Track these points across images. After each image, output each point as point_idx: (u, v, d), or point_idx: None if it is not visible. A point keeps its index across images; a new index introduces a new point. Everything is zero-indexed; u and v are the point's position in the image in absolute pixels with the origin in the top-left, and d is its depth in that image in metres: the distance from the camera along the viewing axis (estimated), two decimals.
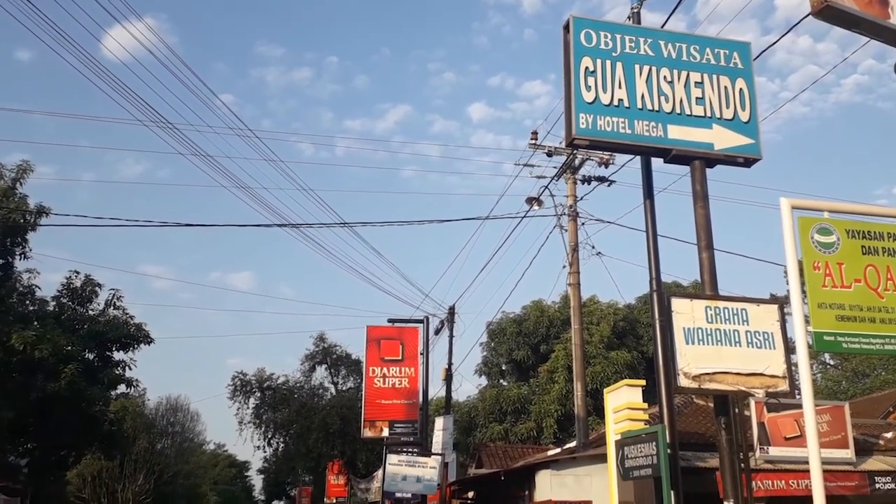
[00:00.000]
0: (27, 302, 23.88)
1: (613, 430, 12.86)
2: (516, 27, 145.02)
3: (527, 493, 16.99)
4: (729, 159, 10.00)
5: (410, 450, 22.27)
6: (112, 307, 26.05)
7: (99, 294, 25.94)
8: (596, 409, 28.13)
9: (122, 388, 27.61)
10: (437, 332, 25.95)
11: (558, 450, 22.74)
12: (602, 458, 13.85)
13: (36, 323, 22.11)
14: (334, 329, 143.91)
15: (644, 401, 13.16)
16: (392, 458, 20.41)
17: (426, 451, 22.81)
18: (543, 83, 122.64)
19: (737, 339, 8.73)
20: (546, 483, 16.13)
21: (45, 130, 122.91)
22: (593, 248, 20.39)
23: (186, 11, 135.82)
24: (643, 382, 13.47)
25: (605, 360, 35.30)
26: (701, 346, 8.59)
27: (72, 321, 24.60)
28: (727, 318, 8.80)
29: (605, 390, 14.13)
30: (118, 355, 25.85)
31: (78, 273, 25.75)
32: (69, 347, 22.38)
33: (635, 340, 38.05)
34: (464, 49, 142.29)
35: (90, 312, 25.71)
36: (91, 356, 24.81)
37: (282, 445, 50.82)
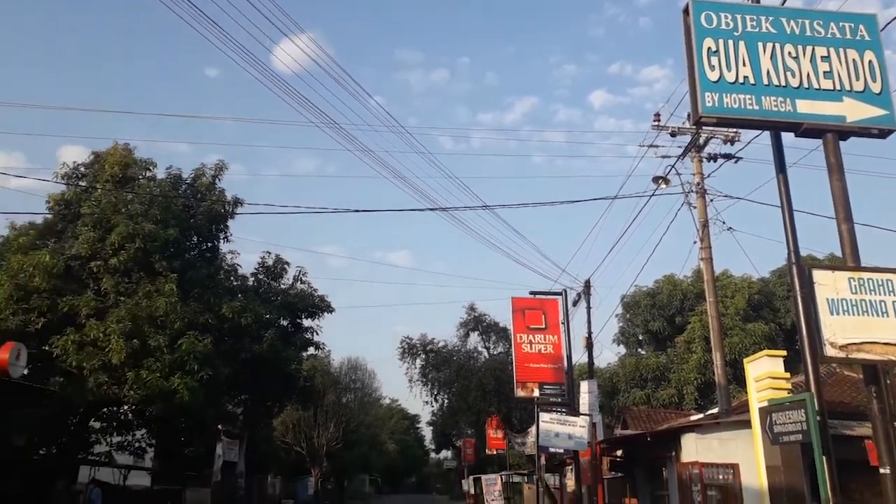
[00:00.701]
0: (231, 278, 25.29)
1: (756, 397, 12.00)
2: (631, 16, 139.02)
3: (673, 454, 16.30)
4: (862, 131, 8.99)
5: (560, 409, 21.89)
6: (299, 282, 27.12)
7: (287, 271, 27.05)
8: (735, 377, 26.67)
9: (311, 351, 28.97)
10: (575, 303, 25.32)
11: (701, 415, 21.72)
12: (745, 425, 12.97)
13: (240, 295, 23.36)
14: (482, 300, 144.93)
15: (784, 371, 12.16)
16: (544, 416, 20.11)
17: (574, 411, 22.35)
18: (661, 67, 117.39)
19: (884, 310, 7.82)
20: (692, 446, 15.40)
21: (232, 135, 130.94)
22: (724, 223, 19.07)
23: (335, 26, 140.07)
24: (784, 353, 12.48)
25: (742, 332, 33.60)
26: (846, 316, 7.74)
27: (267, 294, 25.80)
28: (872, 288, 7.90)
29: (745, 360, 13.18)
30: (306, 322, 26.94)
31: (269, 253, 27.04)
32: (267, 316, 23.52)
33: (772, 313, 35.84)
34: (582, 41, 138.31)
35: (281, 286, 26.88)
36: (285, 323, 25.95)
37: (446, 401, 51.79)
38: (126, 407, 22.96)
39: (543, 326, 25.23)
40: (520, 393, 25.22)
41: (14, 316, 20.00)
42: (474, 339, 52.30)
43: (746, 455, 12.71)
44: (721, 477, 13.85)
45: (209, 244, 24.60)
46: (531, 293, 26.03)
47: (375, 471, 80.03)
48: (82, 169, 23.25)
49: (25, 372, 18.92)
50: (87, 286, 20.89)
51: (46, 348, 20.19)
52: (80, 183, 22.95)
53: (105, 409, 23.36)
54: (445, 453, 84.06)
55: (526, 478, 35.97)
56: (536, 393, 24.71)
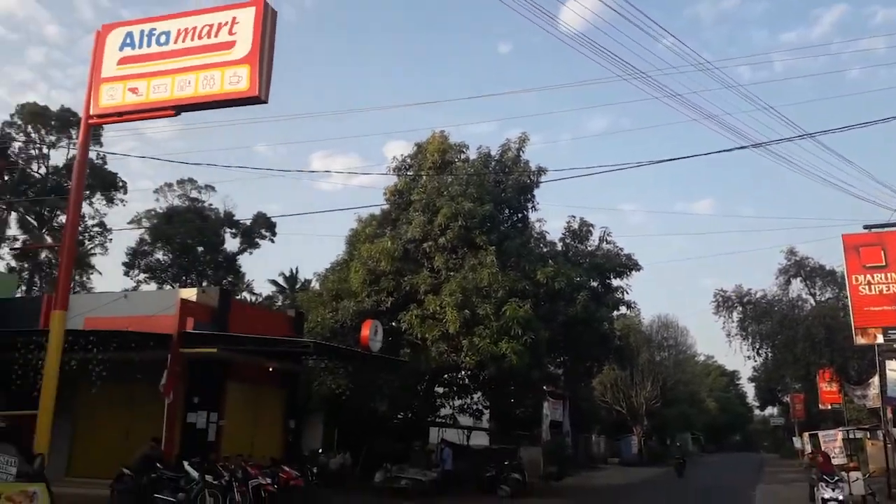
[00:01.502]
0: (541, 245, 26.51)
1: None
2: None
3: None
4: None
5: None
6: (604, 242, 27.47)
7: (592, 233, 27.51)
8: None
9: (622, 310, 29.24)
10: None
11: None
12: None
13: (550, 261, 24.45)
14: (799, 242, 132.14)
15: None
16: (891, 364, 18.28)
17: None
18: None
19: None
20: None
21: (527, 105, 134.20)
22: None
23: None
24: None
25: None
26: None
27: (576, 257, 26.54)
28: None
29: None
30: (615, 282, 27.24)
31: (574, 217, 27.69)
32: (578, 279, 24.33)
33: None
34: None
35: (588, 248, 27.45)
36: (595, 284, 26.51)
37: (769, 355, 48.73)
38: (463, 372, 25.45)
39: (884, 264, 22.65)
40: (859, 340, 23.02)
41: (368, 297, 23.42)
42: (797, 285, 48.36)
43: None
44: None
45: (519, 215, 26.16)
46: (866, 227, 23.47)
47: (697, 429, 78.11)
48: (408, 160, 26.23)
49: (381, 346, 22.08)
50: (423, 265, 23.59)
51: (395, 324, 23.26)
52: (408, 173, 25.88)
53: (446, 375, 26.14)
54: (771, 410, 79.17)
55: (869, 433, 32.70)
56: (879, 339, 22.37)
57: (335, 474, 21.47)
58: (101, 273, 62.54)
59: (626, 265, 26.98)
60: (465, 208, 22.73)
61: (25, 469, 7.53)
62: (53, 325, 11.44)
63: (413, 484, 20.53)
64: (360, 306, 23.48)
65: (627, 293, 27.26)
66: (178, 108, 12.25)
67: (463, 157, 25.95)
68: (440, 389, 26.92)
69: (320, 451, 22.81)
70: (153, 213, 45.95)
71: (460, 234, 22.84)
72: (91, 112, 12.54)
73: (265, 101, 11.93)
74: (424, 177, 24.86)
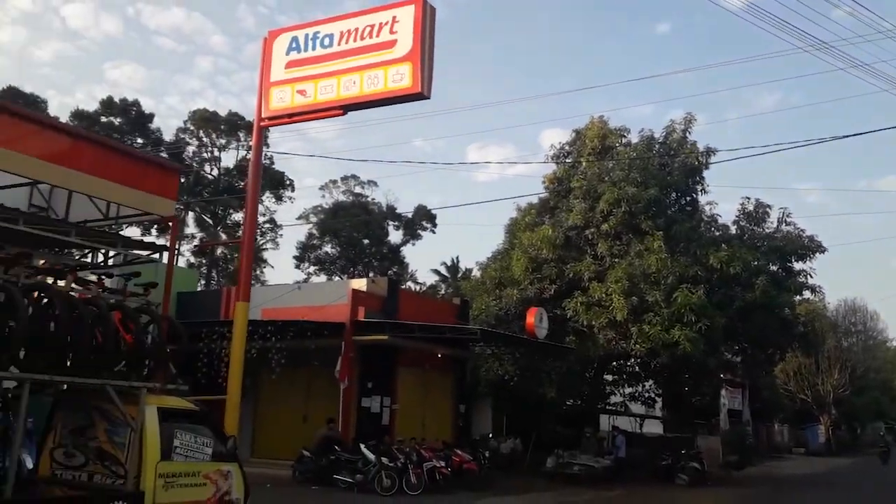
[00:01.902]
0: (712, 228, 25.11)
1: None
2: None
3: None
4: None
5: None
6: (783, 224, 25.61)
7: (769, 214, 25.72)
8: None
9: (805, 295, 27.10)
10: None
11: None
12: None
13: (723, 245, 23.11)
14: None
15: None
16: None
17: None
18: None
19: None
20: None
21: (688, 86, 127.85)
22: None
23: None
24: None
25: None
26: None
27: (751, 240, 24.93)
28: None
29: None
30: (797, 266, 25.32)
31: (749, 198, 25.97)
32: (755, 262, 22.81)
33: None
34: None
35: (765, 231, 25.72)
36: (775, 268, 24.80)
37: None
38: (633, 360, 24.70)
39: None
40: None
41: (531, 285, 23.31)
42: None
43: None
44: None
45: (687, 198, 24.90)
46: None
47: (890, 417, 71.47)
48: (567, 147, 25.79)
49: (546, 333, 21.87)
50: (585, 252, 23.10)
51: (559, 311, 22.95)
52: (567, 160, 25.45)
53: (614, 363, 25.48)
54: None
55: None
56: None
57: (506, 459, 21.62)
58: (273, 267, 66.96)
59: (809, 247, 24.95)
60: (628, 193, 21.96)
61: (219, 450, 8.01)
62: (237, 315, 12.23)
63: (586, 470, 20.26)
64: (523, 294, 23.44)
65: (811, 277, 25.24)
66: (345, 108, 12.64)
67: (624, 141, 25.10)
68: (609, 377, 26.33)
69: (490, 435, 23.06)
70: (320, 208, 48.46)
71: (624, 219, 22.10)
72: (262, 115, 13.20)
73: (427, 97, 12.04)
74: (584, 163, 24.30)
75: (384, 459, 15.94)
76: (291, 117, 13.16)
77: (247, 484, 8.24)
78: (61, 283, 7.19)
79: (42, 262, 7.59)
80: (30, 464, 7.74)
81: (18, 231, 9.39)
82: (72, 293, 7.02)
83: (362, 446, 16.62)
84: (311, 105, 12.75)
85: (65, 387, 7.32)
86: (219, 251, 43.30)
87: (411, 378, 21.05)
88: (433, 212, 49.29)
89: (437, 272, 50.76)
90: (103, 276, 7.84)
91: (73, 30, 78.66)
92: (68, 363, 6.75)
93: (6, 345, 6.25)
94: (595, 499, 17.98)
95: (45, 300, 6.78)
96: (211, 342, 17.35)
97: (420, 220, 49.23)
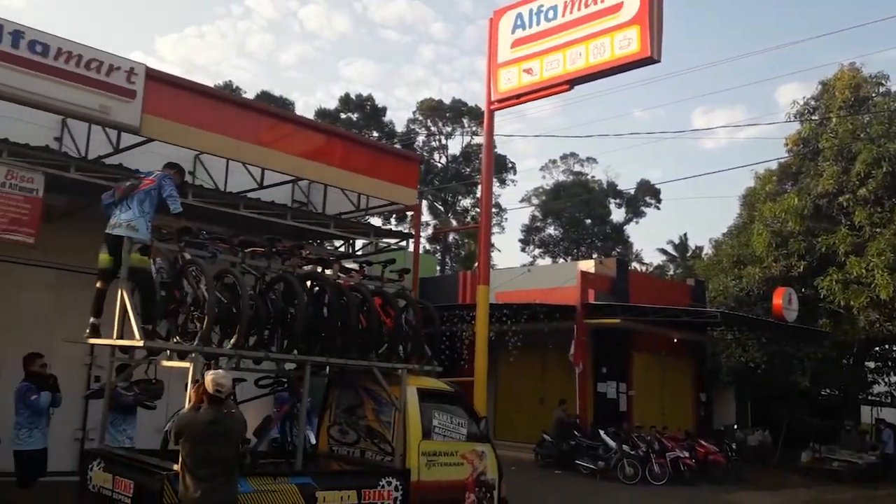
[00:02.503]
0: None
1: None
2: None
3: None
4: None
5: None
6: None
7: None
8: None
9: None
10: None
11: None
12: None
13: None
14: None
15: None
16: None
17: None
18: None
19: None
20: None
21: None
22: None
23: None
24: None
25: None
26: None
27: None
28: None
29: None
30: None
31: None
32: None
33: None
34: None
35: None
36: None
37: None
38: None
39: None
40: None
41: (776, 262, 21.38)
42: None
43: None
44: None
45: None
46: None
47: None
48: (812, 103, 23.14)
49: (796, 315, 20.08)
50: (839, 222, 20.73)
51: (809, 290, 20.93)
52: (812, 117, 22.94)
53: (877, 348, 22.85)
54: None
55: None
56: None
57: (754, 452, 20.19)
58: (500, 251, 68.20)
59: None
60: (890, 151, 19.33)
61: (473, 430, 8.24)
62: (479, 297, 12.49)
63: (847, 466, 18.38)
64: (766, 272, 21.61)
65: None
66: (571, 82, 12.32)
67: (882, 89, 22.06)
68: (871, 364, 23.62)
69: (735, 426, 21.71)
70: (541, 190, 48.48)
71: (885, 182, 19.46)
72: (492, 98, 13.27)
73: (658, 61, 11.36)
74: (834, 119, 21.71)
75: (625, 447, 15.61)
76: (519, 98, 13.05)
77: (500, 465, 8.39)
78: (328, 272, 7.70)
79: (307, 252, 8.20)
80: (313, 439, 8.46)
81: (286, 225, 10.42)
82: (338, 281, 7.51)
83: (602, 432, 16.41)
84: (537, 83, 12.56)
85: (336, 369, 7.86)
86: (450, 237, 44.94)
87: (647, 363, 20.39)
88: (657, 186, 47.43)
89: (663, 251, 48.79)
90: (363, 265, 8.31)
91: (310, 31, 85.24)
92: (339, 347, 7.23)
93: (289, 331, 6.83)
94: (858, 497, 16.30)
95: (317, 288, 7.31)
96: (452, 325, 18.02)
97: (643, 196, 47.58)
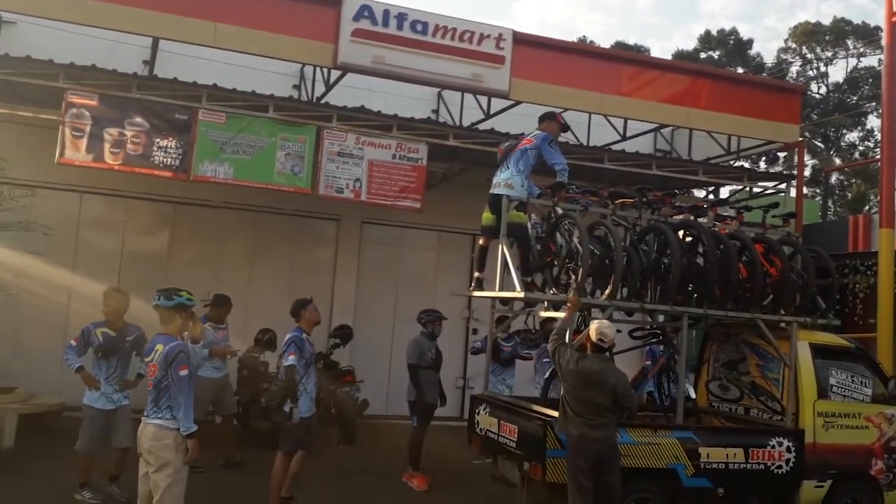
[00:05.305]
0: None
1: None
2: None
3: None
4: None
5: None
6: None
7: None
8: None
9: None
10: None
11: None
12: None
13: None
14: None
15: None
16: None
17: None
18: None
19: None
20: None
21: None
22: None
23: None
24: None
25: None
26: None
27: None
28: None
29: None
30: None
31: None
32: None
33: None
34: None
35: None
36: None
37: None
38: None
39: None
40: None
41: None
42: None
43: None
44: None
45: None
46: None
47: None
48: None
49: None
50: None
51: None
52: None
53: None
54: None
55: None
56: None
57: None
58: None
59: None
60: None
61: (880, 391, 7.41)
62: (882, 243, 11.02)
63: None
64: None
65: None
66: None
67: None
68: None
69: None
70: None
71: None
72: (894, 8, 11.43)
73: None
74: None
75: None
76: None
77: None
78: (702, 220, 7.42)
79: (676, 202, 7.99)
80: (692, 394, 8.36)
81: (650, 175, 10.31)
82: (714, 229, 7.20)
83: None
84: None
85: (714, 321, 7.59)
86: (832, 178, 40.26)
87: None
88: None
89: None
90: (741, 210, 7.83)
91: None
92: (717, 298, 6.95)
93: (663, 282, 6.77)
94: None
95: (691, 238, 7.11)
96: (842, 276, 16.18)
97: None
